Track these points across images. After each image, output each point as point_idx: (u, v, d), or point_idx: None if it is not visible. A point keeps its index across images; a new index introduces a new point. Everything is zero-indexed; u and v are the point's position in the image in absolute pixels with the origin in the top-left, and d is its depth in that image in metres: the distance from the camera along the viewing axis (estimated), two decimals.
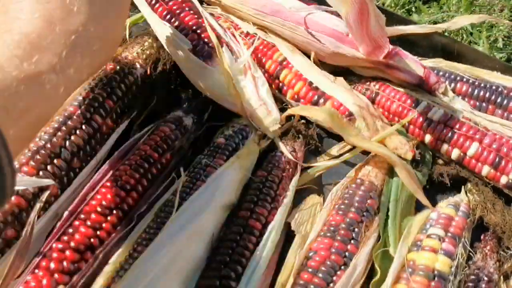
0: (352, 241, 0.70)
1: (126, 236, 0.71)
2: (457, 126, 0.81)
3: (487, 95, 0.88)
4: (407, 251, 0.71)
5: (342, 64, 0.94)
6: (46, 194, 0.70)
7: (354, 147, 0.85)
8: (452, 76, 0.91)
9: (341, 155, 0.85)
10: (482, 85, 0.89)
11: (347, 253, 0.69)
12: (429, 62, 0.94)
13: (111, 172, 0.74)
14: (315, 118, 0.86)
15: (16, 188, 0.68)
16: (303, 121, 0.87)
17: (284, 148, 0.81)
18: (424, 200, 0.78)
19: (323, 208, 0.76)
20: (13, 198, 0.68)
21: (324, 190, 0.82)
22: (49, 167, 0.72)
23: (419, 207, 0.79)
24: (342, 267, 0.67)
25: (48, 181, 0.68)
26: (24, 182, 0.68)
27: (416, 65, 0.88)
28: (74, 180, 0.75)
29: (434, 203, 0.78)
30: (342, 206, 0.74)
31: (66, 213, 0.70)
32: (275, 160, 0.79)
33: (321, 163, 0.83)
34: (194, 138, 0.84)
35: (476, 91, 0.88)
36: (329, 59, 0.93)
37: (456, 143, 0.81)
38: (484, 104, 0.88)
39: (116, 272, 0.66)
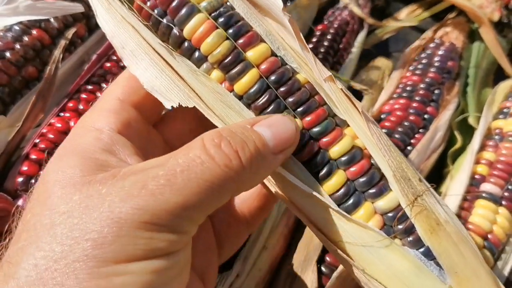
0: (432, 103, 0.60)
1: None
2: None
3: None
4: (492, 118, 0.61)
5: None
6: (72, 32, 0.58)
7: (424, 11, 0.73)
8: None
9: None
10: None
11: (426, 116, 0.58)
12: None
13: None
14: None
15: (38, 17, 0.57)
16: None
17: None
18: (507, 66, 0.67)
19: (395, 70, 0.65)
20: (34, 31, 0.57)
21: (392, 55, 0.70)
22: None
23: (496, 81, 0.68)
24: (421, 130, 0.57)
25: (77, 6, 0.56)
26: (46, 9, 0.56)
27: None
28: None
29: None
30: (420, 66, 0.63)
31: (94, 56, 0.59)
32: (337, 13, 0.67)
33: (390, 23, 0.71)
34: None
35: None
36: None
37: None
38: None
39: None
